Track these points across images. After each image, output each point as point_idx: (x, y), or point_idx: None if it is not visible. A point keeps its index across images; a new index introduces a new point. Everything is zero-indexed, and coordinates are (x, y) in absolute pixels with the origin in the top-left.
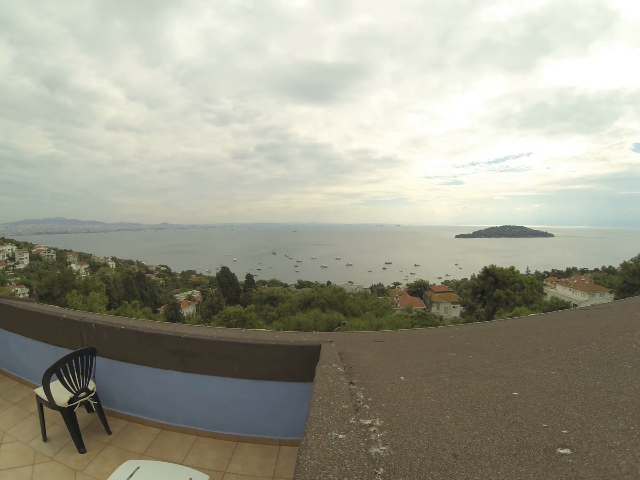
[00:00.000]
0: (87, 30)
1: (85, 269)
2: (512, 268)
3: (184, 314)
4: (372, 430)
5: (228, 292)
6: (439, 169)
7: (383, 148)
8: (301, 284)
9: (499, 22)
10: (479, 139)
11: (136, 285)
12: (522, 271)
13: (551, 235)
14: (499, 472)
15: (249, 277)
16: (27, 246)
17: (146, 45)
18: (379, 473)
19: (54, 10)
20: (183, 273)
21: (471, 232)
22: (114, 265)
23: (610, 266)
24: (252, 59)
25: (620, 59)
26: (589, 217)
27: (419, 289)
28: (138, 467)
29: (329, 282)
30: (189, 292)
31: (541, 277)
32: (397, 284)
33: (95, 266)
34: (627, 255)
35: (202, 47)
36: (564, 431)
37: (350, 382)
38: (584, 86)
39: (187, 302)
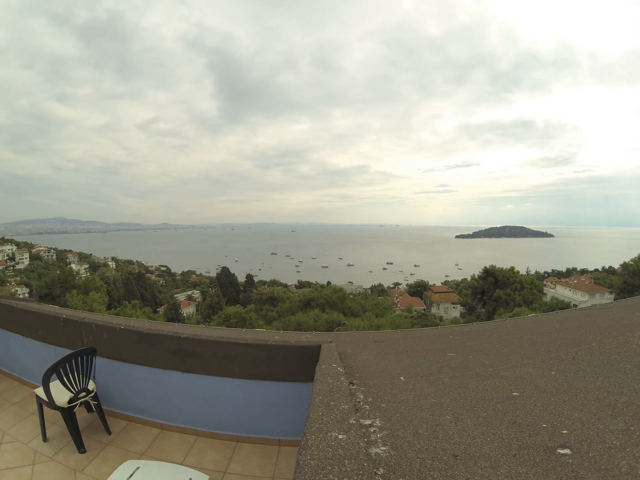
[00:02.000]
0: (196, 108)
1: (85, 269)
2: (512, 268)
3: (184, 314)
4: (372, 430)
5: (228, 292)
6: (429, 176)
7: (377, 165)
8: (301, 284)
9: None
10: (455, 152)
11: (136, 285)
12: (522, 271)
13: (551, 236)
14: (499, 473)
15: (249, 277)
16: (27, 246)
17: (224, 112)
18: (379, 473)
19: (179, 96)
20: (183, 273)
21: (471, 233)
22: (114, 265)
23: (610, 266)
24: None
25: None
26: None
27: (419, 289)
28: (138, 467)
29: (329, 283)
30: (189, 292)
31: (541, 277)
32: (397, 284)
33: (95, 266)
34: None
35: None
36: (564, 431)
37: (350, 383)
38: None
39: (187, 302)
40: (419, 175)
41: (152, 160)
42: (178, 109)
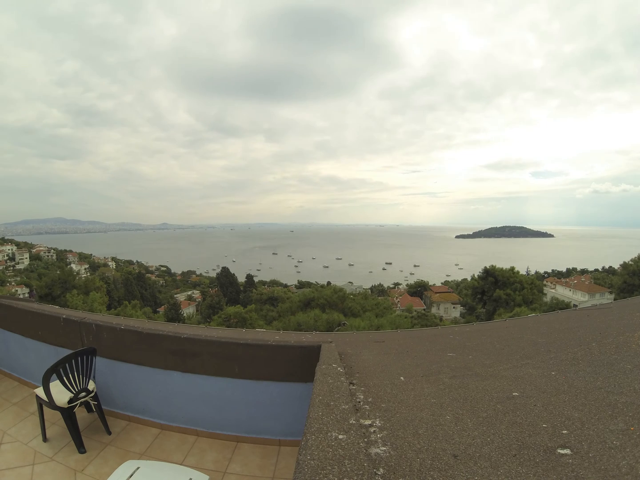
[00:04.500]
0: (248, 146)
1: (85, 269)
2: (512, 268)
3: (184, 314)
4: (372, 430)
5: (228, 292)
6: (419, 181)
7: (375, 176)
8: (301, 284)
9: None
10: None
11: (136, 286)
12: (522, 271)
13: (551, 236)
14: (499, 473)
15: (249, 277)
16: (27, 246)
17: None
18: (379, 473)
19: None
20: (183, 273)
21: (471, 233)
22: (114, 265)
23: (610, 266)
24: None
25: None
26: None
27: (419, 289)
28: (138, 468)
29: (329, 283)
30: (189, 293)
31: (541, 277)
32: (397, 284)
33: (95, 266)
34: None
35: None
36: (564, 431)
37: (350, 383)
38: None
39: (187, 303)
40: (408, 179)
41: (196, 170)
42: (238, 150)
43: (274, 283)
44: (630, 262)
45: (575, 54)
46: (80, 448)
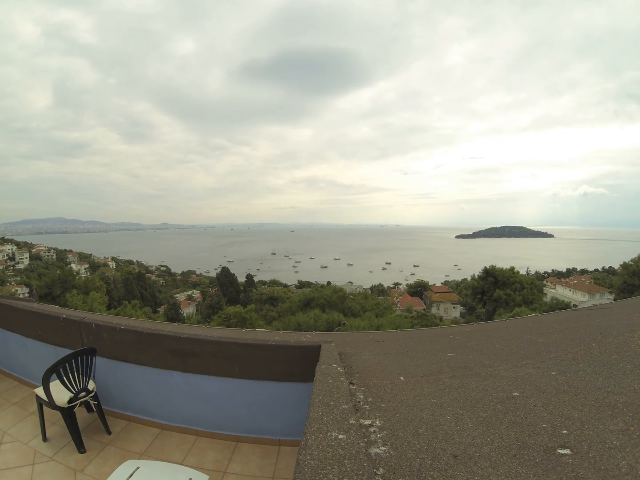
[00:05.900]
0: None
1: (85, 269)
2: (512, 268)
3: (184, 314)
4: (372, 430)
5: (228, 292)
6: (415, 185)
7: (372, 181)
8: (301, 284)
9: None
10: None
11: (136, 285)
12: (522, 271)
13: (551, 236)
14: (499, 473)
15: (249, 277)
16: (27, 246)
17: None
18: (379, 473)
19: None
20: (183, 273)
21: (471, 233)
22: (114, 265)
23: (610, 266)
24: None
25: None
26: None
27: (419, 289)
28: (138, 467)
29: (329, 283)
30: (189, 292)
31: (541, 277)
32: (397, 284)
33: (95, 266)
34: None
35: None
36: (564, 431)
37: (350, 383)
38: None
39: (187, 302)
40: (403, 182)
41: (214, 175)
42: (256, 160)
43: (273, 283)
44: (630, 262)
45: (513, 104)
46: (80, 448)
